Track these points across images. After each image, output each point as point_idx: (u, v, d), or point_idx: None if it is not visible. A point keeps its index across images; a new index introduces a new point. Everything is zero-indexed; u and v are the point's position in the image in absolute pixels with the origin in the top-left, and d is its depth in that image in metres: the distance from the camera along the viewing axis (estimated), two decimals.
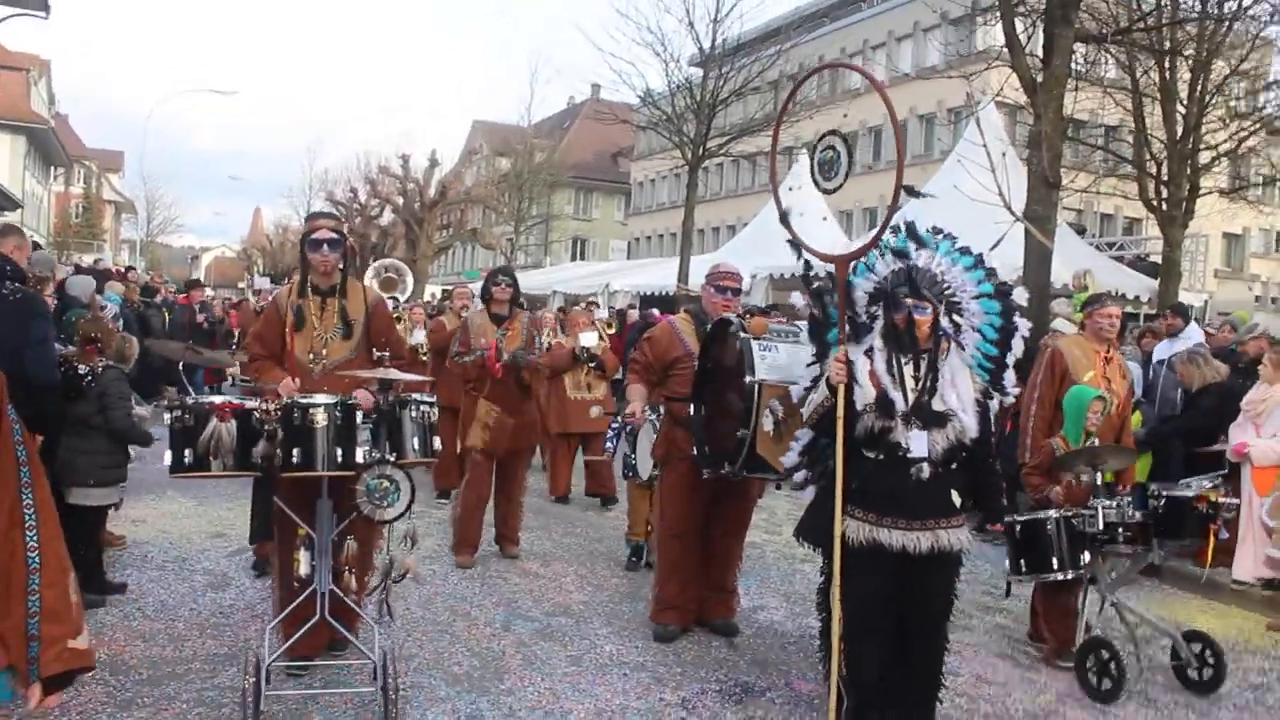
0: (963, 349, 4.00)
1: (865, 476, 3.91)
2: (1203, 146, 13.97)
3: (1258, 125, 15.02)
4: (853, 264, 4.11)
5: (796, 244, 4.25)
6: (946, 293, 4.00)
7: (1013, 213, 10.02)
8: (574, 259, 46.54)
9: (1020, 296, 4.12)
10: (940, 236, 4.15)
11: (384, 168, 38.62)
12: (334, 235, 4.57)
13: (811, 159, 4.84)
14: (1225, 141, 14.01)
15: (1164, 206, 13.69)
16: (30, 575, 2.09)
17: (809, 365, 4.35)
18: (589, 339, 8.70)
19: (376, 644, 4.08)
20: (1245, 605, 6.70)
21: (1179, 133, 13.57)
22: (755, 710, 4.41)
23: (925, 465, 3.86)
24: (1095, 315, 5.72)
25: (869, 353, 3.98)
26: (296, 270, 5.05)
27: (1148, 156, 14.01)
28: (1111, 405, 5.47)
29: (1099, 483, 5.06)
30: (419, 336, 9.49)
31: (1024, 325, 4.08)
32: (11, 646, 2.07)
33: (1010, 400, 4.31)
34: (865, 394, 3.90)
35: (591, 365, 8.77)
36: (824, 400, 4.05)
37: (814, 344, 4.34)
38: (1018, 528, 5.14)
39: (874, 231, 4.13)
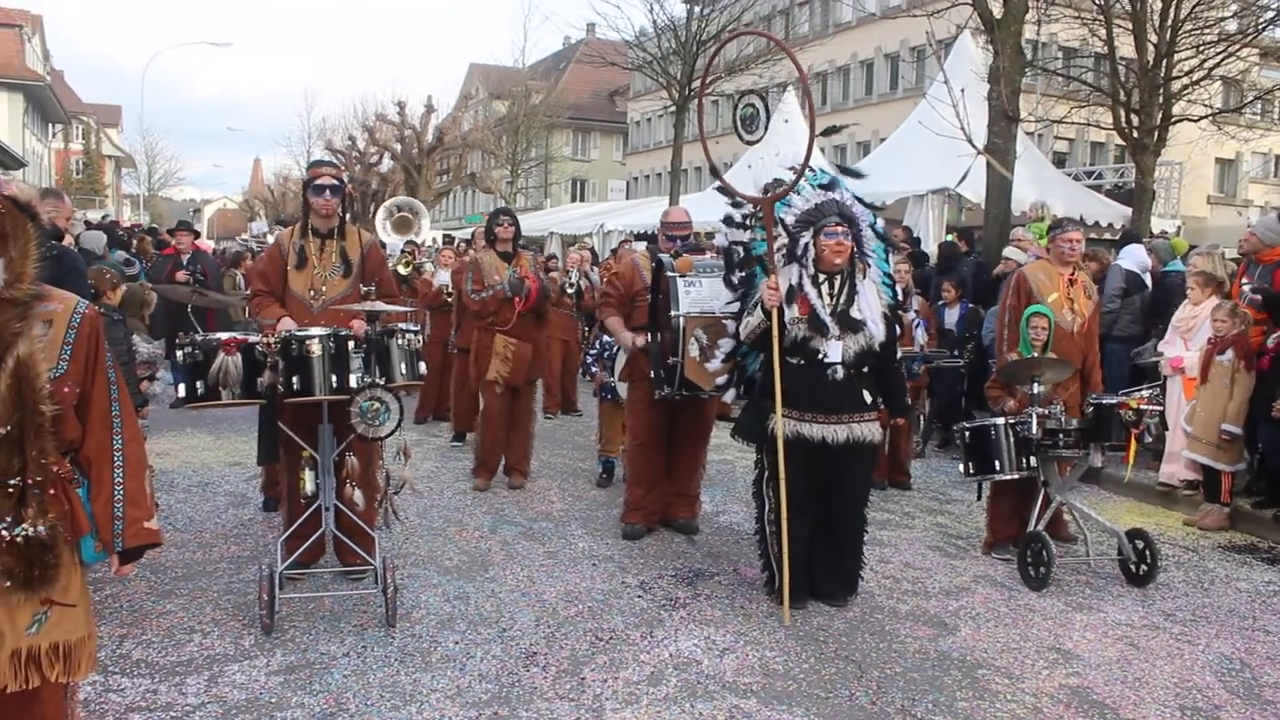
0: (869, 268, 4.69)
1: (789, 380, 4.61)
2: (1176, 74, 14.14)
3: (1238, 47, 14.85)
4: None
5: (726, 190, 4.92)
6: (854, 223, 4.70)
7: (974, 145, 10.57)
8: (574, 200, 46.54)
9: (879, 225, 4.87)
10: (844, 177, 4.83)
11: (381, 115, 38.88)
12: (335, 181, 5.01)
13: (734, 116, 5.47)
14: (1197, 69, 14.09)
15: (1135, 135, 13.99)
16: (116, 469, 2.65)
17: (732, 292, 5.02)
18: None
19: (378, 551, 4.62)
20: (1168, 504, 7.38)
21: (1150, 60, 13.81)
22: (703, 589, 5.10)
23: (839, 368, 4.60)
24: (1058, 240, 6.03)
25: (797, 275, 4.67)
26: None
27: (1119, 85, 14.26)
28: (1076, 323, 5.87)
29: (1034, 391, 5.46)
30: (444, 277, 9.48)
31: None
32: (101, 523, 2.65)
33: (911, 315, 4.98)
34: (791, 311, 4.60)
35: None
36: (760, 322, 4.73)
37: (737, 273, 4.99)
38: (967, 434, 5.67)
39: (793, 179, 4.76)
